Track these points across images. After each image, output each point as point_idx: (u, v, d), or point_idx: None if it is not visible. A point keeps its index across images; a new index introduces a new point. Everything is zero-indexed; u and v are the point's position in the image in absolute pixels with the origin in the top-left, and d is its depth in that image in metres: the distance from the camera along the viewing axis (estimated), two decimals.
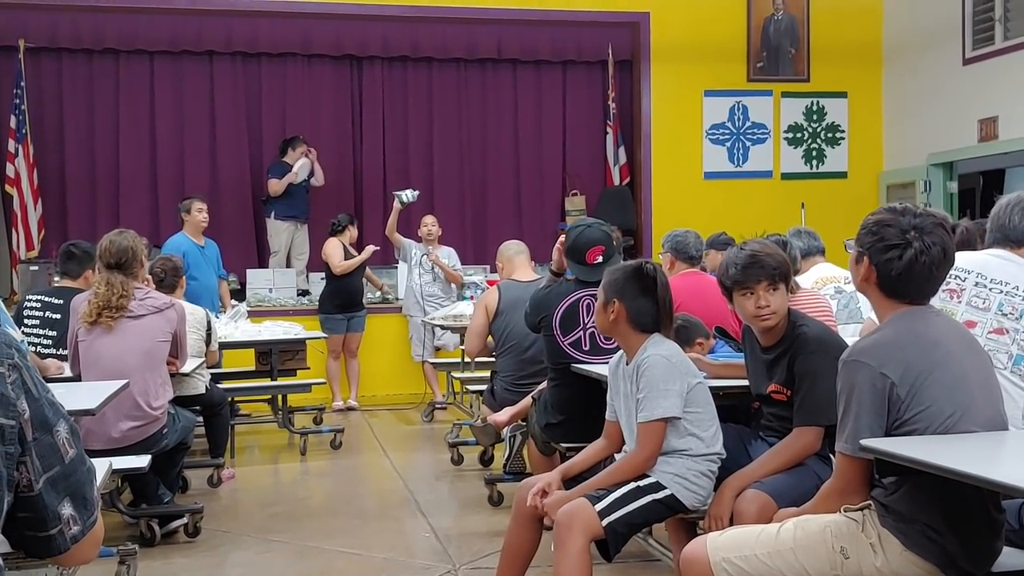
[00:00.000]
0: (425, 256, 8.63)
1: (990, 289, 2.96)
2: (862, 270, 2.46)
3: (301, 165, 9.22)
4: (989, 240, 3.18)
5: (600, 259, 4.29)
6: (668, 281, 3.34)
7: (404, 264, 8.91)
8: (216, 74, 9.61)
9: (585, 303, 4.23)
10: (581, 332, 4.24)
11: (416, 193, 8.65)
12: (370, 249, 8.52)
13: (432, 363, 8.43)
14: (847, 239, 2.60)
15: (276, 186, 9.15)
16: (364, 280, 8.83)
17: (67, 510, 1.49)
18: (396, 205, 8.53)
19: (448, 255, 8.77)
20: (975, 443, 2.31)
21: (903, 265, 2.38)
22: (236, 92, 9.67)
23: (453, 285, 8.64)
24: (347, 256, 8.41)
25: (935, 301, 2.55)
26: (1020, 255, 3.08)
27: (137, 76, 9.43)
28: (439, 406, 8.36)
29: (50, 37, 9.11)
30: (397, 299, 9.36)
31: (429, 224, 8.76)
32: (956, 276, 2.97)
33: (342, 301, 8.45)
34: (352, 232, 8.60)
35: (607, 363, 3.56)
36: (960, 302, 2.89)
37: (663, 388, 3.09)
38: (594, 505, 3.02)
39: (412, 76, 9.99)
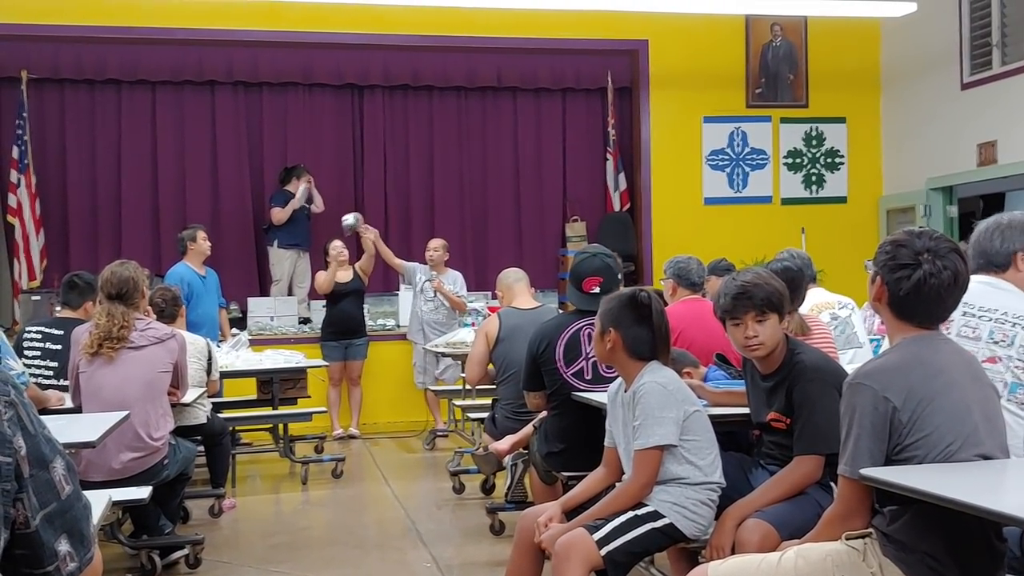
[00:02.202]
0: (428, 283, 8.56)
1: (979, 318, 2.94)
2: (875, 289, 2.48)
3: (302, 191, 9.26)
4: (973, 267, 3.15)
5: (597, 289, 4.27)
6: (663, 308, 3.35)
7: (409, 289, 8.86)
8: (217, 104, 9.66)
9: (586, 332, 4.22)
10: (584, 362, 4.22)
11: (356, 215, 8.62)
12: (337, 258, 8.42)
13: (434, 391, 8.39)
14: (867, 260, 2.61)
15: (280, 215, 9.18)
16: (366, 308, 8.83)
17: (64, 546, 1.48)
18: (372, 239, 8.55)
19: (454, 280, 8.64)
20: (976, 472, 2.30)
21: (911, 285, 2.39)
22: (237, 121, 9.72)
23: (458, 312, 8.53)
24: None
25: None
26: (1005, 279, 3.06)
27: (139, 106, 9.48)
28: (440, 434, 8.33)
29: (52, 68, 9.17)
30: (399, 326, 9.36)
31: (434, 248, 8.63)
32: None
33: (336, 328, 8.45)
34: (335, 252, 8.43)
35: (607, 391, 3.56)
36: (950, 333, 2.87)
37: (659, 416, 3.09)
38: (592, 535, 3.01)
39: (413, 105, 10.04)
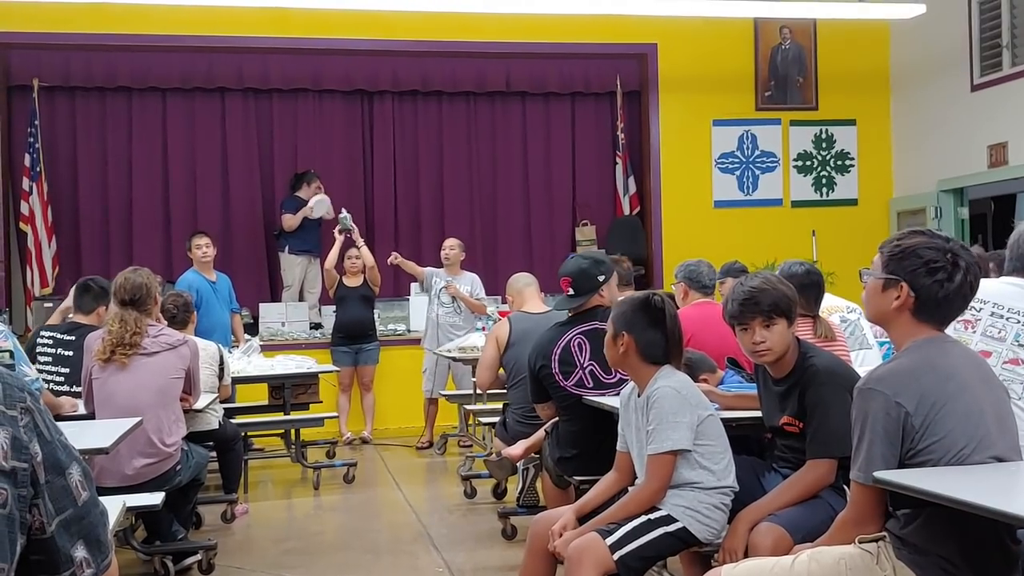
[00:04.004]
0: (443, 288, 8.34)
1: (1007, 319, 2.93)
2: (897, 297, 2.42)
3: (318, 201, 9.24)
4: (1008, 268, 3.13)
5: (571, 291, 4.29)
6: (676, 312, 3.34)
7: (420, 294, 8.80)
8: (228, 110, 9.70)
9: (576, 342, 4.23)
10: (580, 372, 4.21)
11: (341, 216, 8.62)
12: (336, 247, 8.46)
13: (445, 395, 8.25)
14: (862, 268, 2.58)
15: (291, 221, 9.21)
16: (376, 313, 8.81)
17: (80, 552, 1.49)
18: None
19: (471, 282, 8.42)
20: (990, 475, 2.29)
21: (955, 287, 2.37)
22: (247, 128, 9.75)
23: (477, 314, 8.25)
24: (341, 281, 8.43)
25: (949, 331, 2.53)
26: None
27: (149, 113, 9.53)
28: (456, 439, 8.24)
29: (63, 76, 9.22)
30: (409, 331, 9.36)
31: (449, 247, 8.40)
32: (972, 306, 2.92)
33: (345, 333, 8.43)
34: (349, 257, 8.48)
35: (617, 395, 3.56)
36: (975, 332, 2.86)
37: (673, 420, 3.09)
38: (605, 539, 3.01)
39: (422, 110, 10.07)
